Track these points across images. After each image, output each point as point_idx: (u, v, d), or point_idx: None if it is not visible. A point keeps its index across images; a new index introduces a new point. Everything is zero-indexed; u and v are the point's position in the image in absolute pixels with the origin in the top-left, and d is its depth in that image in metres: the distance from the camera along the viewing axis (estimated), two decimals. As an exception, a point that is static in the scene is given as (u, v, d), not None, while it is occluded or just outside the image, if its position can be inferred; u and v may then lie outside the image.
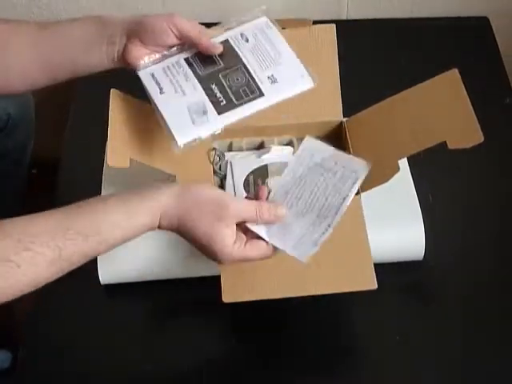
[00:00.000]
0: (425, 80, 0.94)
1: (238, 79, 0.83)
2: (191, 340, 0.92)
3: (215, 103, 0.82)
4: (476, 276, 0.98)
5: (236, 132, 1.01)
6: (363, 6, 1.36)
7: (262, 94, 0.82)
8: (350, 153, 0.97)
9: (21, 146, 1.27)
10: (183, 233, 0.78)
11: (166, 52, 0.85)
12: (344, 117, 1.00)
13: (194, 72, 0.84)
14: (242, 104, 0.82)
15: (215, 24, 0.99)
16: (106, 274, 0.93)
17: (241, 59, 0.84)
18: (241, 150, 1.02)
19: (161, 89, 0.83)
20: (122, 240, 0.76)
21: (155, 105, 0.82)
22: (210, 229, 0.76)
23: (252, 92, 0.83)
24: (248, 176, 0.95)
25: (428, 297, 0.96)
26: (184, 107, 0.81)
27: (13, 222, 0.72)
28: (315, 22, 0.99)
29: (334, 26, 0.99)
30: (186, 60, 0.85)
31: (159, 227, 0.78)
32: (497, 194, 1.07)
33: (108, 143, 0.84)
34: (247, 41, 0.86)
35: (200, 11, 1.33)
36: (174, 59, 0.85)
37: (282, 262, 0.86)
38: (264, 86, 0.83)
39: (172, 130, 0.80)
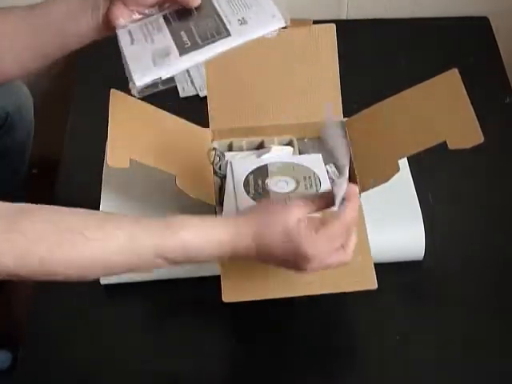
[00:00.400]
0: (425, 80, 0.94)
1: (207, 24, 0.83)
2: (191, 340, 0.92)
3: (179, 46, 0.82)
4: (476, 276, 0.98)
5: (236, 132, 1.01)
6: (363, 6, 1.36)
7: (228, 35, 0.81)
8: (350, 153, 0.97)
9: (20, 145, 1.27)
10: (263, 256, 0.75)
11: (146, 11, 0.85)
12: (344, 117, 1.00)
13: (168, 24, 0.84)
14: (206, 45, 0.81)
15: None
16: (106, 274, 0.93)
17: (215, 8, 0.84)
18: (241, 149, 1.02)
19: (132, 40, 0.83)
20: (197, 249, 0.73)
21: (123, 55, 0.82)
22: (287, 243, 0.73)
23: (219, 33, 0.82)
24: (248, 176, 0.94)
25: (428, 297, 0.96)
26: (149, 52, 0.81)
27: (91, 210, 0.72)
28: (315, 22, 0.99)
29: (334, 25, 0.99)
30: (164, 16, 0.85)
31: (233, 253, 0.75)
32: (497, 194, 1.07)
33: (108, 143, 0.84)
34: None
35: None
36: (153, 18, 0.85)
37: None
38: (232, 27, 0.82)
39: (131, 71, 0.80)
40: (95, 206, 0.96)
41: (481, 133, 0.85)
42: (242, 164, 0.97)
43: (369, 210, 0.90)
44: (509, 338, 0.92)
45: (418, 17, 1.37)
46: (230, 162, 0.98)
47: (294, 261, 0.74)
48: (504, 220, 1.04)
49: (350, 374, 0.90)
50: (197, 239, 0.73)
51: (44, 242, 0.69)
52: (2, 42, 0.88)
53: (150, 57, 0.81)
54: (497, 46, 1.29)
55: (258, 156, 0.99)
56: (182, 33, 0.83)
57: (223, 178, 0.96)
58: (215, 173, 0.97)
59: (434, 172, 1.06)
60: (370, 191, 0.91)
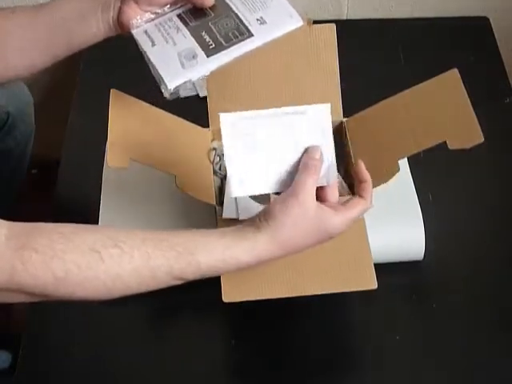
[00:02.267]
0: (425, 80, 0.94)
1: (227, 24, 0.83)
2: (191, 340, 0.92)
3: (204, 47, 0.82)
4: (476, 276, 0.98)
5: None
6: (363, 6, 1.36)
7: (251, 35, 0.82)
8: (350, 153, 0.97)
9: (21, 145, 1.27)
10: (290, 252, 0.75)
11: (159, 11, 0.85)
12: (344, 117, 1.00)
13: (186, 24, 0.85)
14: (231, 45, 0.82)
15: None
16: (106, 274, 0.93)
17: (230, 7, 0.85)
18: (241, 149, 1.02)
19: (152, 41, 0.84)
20: (213, 269, 0.73)
21: (147, 57, 0.82)
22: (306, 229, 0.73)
23: (241, 34, 0.82)
24: (248, 176, 0.94)
25: (428, 297, 0.96)
26: (174, 54, 0.82)
27: (106, 226, 0.70)
28: (315, 22, 0.99)
29: (334, 25, 0.99)
30: (179, 16, 0.85)
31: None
32: (497, 194, 1.07)
33: (108, 143, 0.84)
34: None
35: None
36: (166, 17, 0.85)
37: (282, 262, 0.86)
38: (253, 27, 0.83)
39: (162, 75, 0.80)
40: (95, 205, 0.96)
41: (481, 133, 0.85)
42: (242, 164, 0.97)
43: (369, 210, 0.90)
44: (509, 338, 0.92)
45: (418, 17, 1.37)
46: (230, 162, 0.98)
47: (322, 240, 0.75)
48: (504, 220, 1.04)
49: (350, 373, 0.90)
50: (212, 262, 0.72)
51: (59, 259, 0.67)
52: (10, 40, 0.88)
53: (177, 59, 0.81)
54: (497, 46, 1.29)
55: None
56: (204, 33, 0.83)
57: (223, 178, 0.96)
58: (215, 173, 0.97)
59: (434, 172, 1.06)
60: (370, 191, 0.91)
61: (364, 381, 0.89)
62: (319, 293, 0.84)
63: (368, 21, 1.36)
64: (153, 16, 0.85)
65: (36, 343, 0.92)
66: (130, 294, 0.72)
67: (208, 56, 0.81)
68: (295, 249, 0.75)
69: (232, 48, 0.82)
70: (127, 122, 0.88)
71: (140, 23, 0.85)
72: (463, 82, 0.90)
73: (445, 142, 0.86)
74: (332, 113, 0.99)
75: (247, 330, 0.93)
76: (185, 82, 0.81)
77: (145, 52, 0.83)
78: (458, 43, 1.30)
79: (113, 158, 0.83)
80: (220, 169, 0.97)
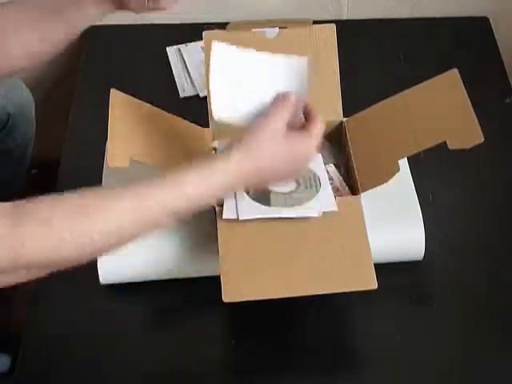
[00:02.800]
0: (425, 80, 0.94)
1: None
2: (191, 340, 0.92)
3: None
4: (476, 276, 0.98)
5: (236, 132, 1.01)
6: (363, 6, 1.36)
7: None
8: (350, 153, 0.97)
9: (21, 145, 1.27)
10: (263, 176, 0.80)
11: None
12: (344, 117, 1.00)
13: None
14: None
15: (217, 24, 1.00)
16: (106, 274, 0.93)
17: None
18: (241, 149, 1.02)
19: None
20: (201, 198, 0.76)
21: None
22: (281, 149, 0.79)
23: None
24: (248, 176, 0.94)
25: (428, 297, 0.96)
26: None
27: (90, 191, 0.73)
28: (315, 22, 0.99)
29: (334, 25, 0.99)
30: None
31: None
32: (497, 194, 1.07)
33: (108, 143, 0.84)
34: None
35: (200, 10, 1.33)
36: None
37: (282, 262, 0.86)
38: None
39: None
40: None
41: (481, 133, 0.85)
42: (242, 164, 0.97)
43: (369, 210, 0.90)
44: (509, 338, 0.92)
45: (418, 17, 1.37)
46: (230, 162, 0.98)
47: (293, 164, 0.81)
48: (504, 220, 1.04)
49: (350, 373, 0.90)
50: (198, 190, 0.75)
51: (55, 222, 0.69)
52: (6, 27, 0.88)
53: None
54: (497, 46, 1.29)
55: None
56: None
57: (223, 177, 0.96)
58: (215, 173, 0.97)
59: (434, 172, 1.06)
60: (370, 191, 0.91)
61: (364, 381, 0.89)
62: (319, 293, 0.84)
63: (368, 21, 1.36)
64: None
65: (36, 343, 0.92)
66: (128, 241, 0.74)
67: None
68: (269, 170, 0.79)
69: None
70: (127, 121, 0.88)
71: None
72: (463, 82, 0.90)
73: (445, 142, 0.86)
74: (332, 113, 1.00)
75: (247, 329, 0.93)
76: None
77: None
78: (458, 43, 1.30)
79: (113, 157, 0.83)
80: (220, 169, 0.97)
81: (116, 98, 0.87)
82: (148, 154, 0.88)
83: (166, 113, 0.96)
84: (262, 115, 0.80)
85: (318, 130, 0.81)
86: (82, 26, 0.89)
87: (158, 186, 0.74)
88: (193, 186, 0.75)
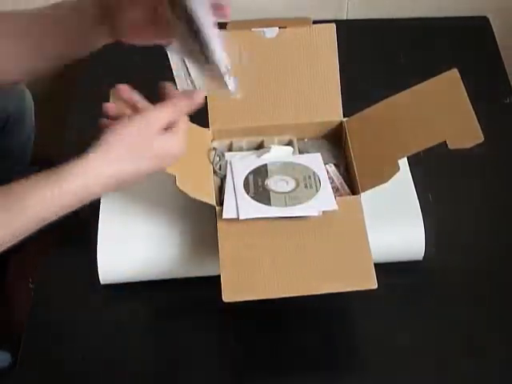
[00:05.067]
0: (425, 80, 0.94)
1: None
2: (191, 340, 0.92)
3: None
4: (476, 276, 0.98)
5: (236, 132, 1.01)
6: (363, 6, 1.36)
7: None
8: (350, 153, 0.97)
9: (21, 146, 1.27)
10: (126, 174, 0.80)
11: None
12: (344, 117, 1.00)
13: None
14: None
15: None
16: (106, 274, 0.93)
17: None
18: (241, 149, 1.02)
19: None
20: (53, 202, 0.76)
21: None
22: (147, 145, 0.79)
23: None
24: (248, 176, 0.95)
25: (428, 297, 0.96)
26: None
27: None
28: (315, 22, 0.99)
29: (334, 25, 0.99)
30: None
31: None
32: (497, 194, 1.07)
33: None
34: None
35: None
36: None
37: (282, 262, 0.86)
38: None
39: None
40: (95, 205, 0.96)
41: (481, 133, 0.85)
42: (241, 164, 0.97)
43: (369, 210, 0.90)
44: (509, 338, 0.92)
45: (418, 17, 1.37)
46: (230, 162, 0.98)
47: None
48: (504, 220, 1.04)
49: (350, 374, 0.90)
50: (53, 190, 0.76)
51: None
52: (5, 41, 0.87)
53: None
54: (497, 46, 1.29)
55: (258, 156, 0.99)
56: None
57: (223, 178, 0.96)
58: (215, 173, 0.97)
59: (434, 172, 1.06)
60: (370, 191, 0.91)
61: (364, 381, 0.89)
62: (319, 293, 0.84)
63: (368, 21, 1.36)
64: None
65: (36, 343, 0.92)
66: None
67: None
68: (126, 163, 0.78)
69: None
70: None
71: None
72: (463, 82, 0.90)
73: (445, 142, 0.86)
74: (332, 113, 1.01)
75: (247, 330, 0.93)
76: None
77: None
78: (458, 43, 1.30)
79: None
80: (220, 169, 0.97)
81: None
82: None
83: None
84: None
85: (183, 127, 0.82)
86: (84, 55, 0.89)
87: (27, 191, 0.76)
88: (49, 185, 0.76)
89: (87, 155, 0.78)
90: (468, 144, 0.86)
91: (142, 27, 0.83)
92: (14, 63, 0.88)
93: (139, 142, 0.79)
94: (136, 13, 0.82)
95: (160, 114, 0.80)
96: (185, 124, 0.82)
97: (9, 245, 0.76)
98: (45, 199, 0.75)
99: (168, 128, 0.81)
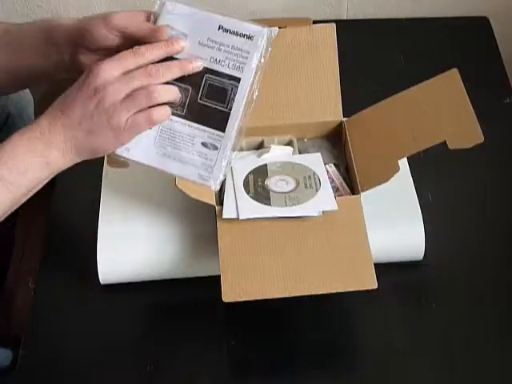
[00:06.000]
0: (425, 80, 0.94)
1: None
2: (191, 340, 0.92)
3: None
4: (476, 276, 0.98)
5: (236, 132, 1.01)
6: (363, 6, 1.36)
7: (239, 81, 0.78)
8: (350, 153, 0.97)
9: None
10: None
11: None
12: (344, 117, 1.00)
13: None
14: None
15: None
16: (106, 274, 0.93)
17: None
18: (241, 149, 1.02)
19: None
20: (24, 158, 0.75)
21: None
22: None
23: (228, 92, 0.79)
24: (248, 176, 0.95)
25: (428, 297, 0.96)
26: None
27: None
28: (315, 22, 0.99)
29: (334, 25, 0.99)
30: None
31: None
32: (497, 194, 1.07)
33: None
34: None
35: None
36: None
37: (282, 262, 0.86)
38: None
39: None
40: (95, 205, 0.96)
41: (481, 133, 0.85)
42: (241, 164, 0.97)
43: (369, 210, 0.90)
44: (509, 338, 0.92)
45: (418, 17, 1.37)
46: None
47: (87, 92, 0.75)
48: (504, 220, 1.04)
49: (350, 374, 0.90)
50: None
51: None
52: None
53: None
54: (497, 45, 1.29)
55: (258, 156, 0.99)
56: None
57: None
58: (215, 173, 0.97)
59: (434, 172, 1.06)
60: (370, 191, 0.91)
61: (364, 381, 0.89)
62: (319, 293, 0.84)
63: (368, 21, 1.36)
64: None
65: (36, 343, 0.92)
66: None
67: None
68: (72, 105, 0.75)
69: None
70: None
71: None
72: (463, 82, 0.90)
73: (445, 142, 0.86)
74: (332, 113, 1.01)
75: (247, 330, 0.93)
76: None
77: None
78: (458, 43, 1.30)
79: (112, 159, 0.83)
80: (220, 169, 0.97)
81: None
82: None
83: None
84: None
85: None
86: (49, 77, 0.87)
87: None
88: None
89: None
90: (468, 144, 0.86)
91: None
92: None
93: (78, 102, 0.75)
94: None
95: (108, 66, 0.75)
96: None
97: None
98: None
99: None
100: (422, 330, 0.93)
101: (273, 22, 0.99)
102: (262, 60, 0.78)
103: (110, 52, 0.77)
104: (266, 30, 0.78)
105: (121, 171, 0.86)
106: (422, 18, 1.36)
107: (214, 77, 0.77)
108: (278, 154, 0.99)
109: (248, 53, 0.77)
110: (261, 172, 0.95)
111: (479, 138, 0.85)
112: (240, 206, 0.89)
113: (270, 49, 0.78)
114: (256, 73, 0.78)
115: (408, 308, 0.95)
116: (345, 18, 1.37)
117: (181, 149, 0.79)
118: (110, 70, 0.74)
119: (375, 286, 0.84)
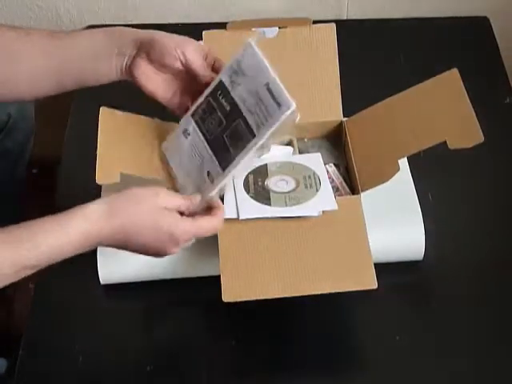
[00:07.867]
0: (425, 80, 0.94)
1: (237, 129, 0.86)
2: (191, 340, 0.92)
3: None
4: (476, 276, 0.98)
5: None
6: (363, 6, 1.36)
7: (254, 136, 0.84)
8: (350, 153, 0.97)
9: (21, 146, 1.27)
10: (131, 242, 0.81)
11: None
12: (344, 117, 1.00)
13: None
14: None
15: (217, 24, 0.99)
16: (106, 274, 0.93)
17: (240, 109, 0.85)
18: (241, 149, 1.02)
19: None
20: (55, 250, 0.76)
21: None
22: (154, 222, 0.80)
23: (247, 138, 0.84)
24: (248, 176, 0.94)
25: (428, 297, 0.96)
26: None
27: None
28: (315, 22, 0.99)
29: (334, 25, 0.99)
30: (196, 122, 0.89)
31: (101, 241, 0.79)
32: (497, 194, 1.07)
33: (97, 161, 0.84)
34: None
35: (200, 10, 1.33)
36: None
37: (282, 262, 0.86)
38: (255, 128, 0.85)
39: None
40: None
41: (481, 133, 0.85)
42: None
43: (369, 210, 0.90)
44: (509, 338, 0.92)
45: (418, 17, 1.37)
46: (230, 162, 0.98)
47: (162, 241, 0.81)
48: (504, 220, 1.04)
49: (350, 374, 0.90)
50: (58, 243, 0.76)
51: None
52: (20, 64, 0.88)
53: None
54: (497, 45, 1.29)
55: (258, 156, 0.99)
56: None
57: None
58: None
59: (434, 172, 1.06)
60: (370, 191, 0.91)
61: (364, 381, 0.89)
62: (319, 293, 0.84)
63: (368, 21, 1.36)
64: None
65: (36, 343, 0.92)
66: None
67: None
68: (129, 235, 0.79)
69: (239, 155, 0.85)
70: (116, 137, 0.88)
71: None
72: (463, 82, 0.90)
73: (445, 142, 0.86)
74: (332, 113, 1.01)
75: (247, 330, 0.93)
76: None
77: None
78: (458, 43, 1.30)
79: (101, 175, 0.83)
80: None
81: (105, 115, 0.88)
82: (139, 166, 0.89)
83: (157, 120, 0.95)
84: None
85: (206, 225, 0.82)
86: (96, 83, 0.89)
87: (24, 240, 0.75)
88: (49, 234, 0.76)
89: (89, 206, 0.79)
90: (468, 144, 0.86)
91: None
92: (27, 83, 0.89)
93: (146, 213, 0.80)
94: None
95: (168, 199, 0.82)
96: (204, 230, 0.83)
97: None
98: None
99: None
100: (421, 330, 0.93)
101: (273, 22, 1.00)
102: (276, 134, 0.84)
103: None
104: (293, 105, 0.82)
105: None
106: (422, 17, 1.36)
107: (242, 123, 0.84)
108: (277, 153, 0.99)
109: (272, 118, 0.82)
110: (261, 172, 0.95)
111: (479, 138, 0.85)
112: (240, 206, 0.89)
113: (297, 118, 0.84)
114: (269, 138, 0.83)
115: (408, 308, 0.96)
116: (345, 18, 1.37)
117: (192, 163, 0.88)
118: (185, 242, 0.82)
119: (375, 286, 0.84)
